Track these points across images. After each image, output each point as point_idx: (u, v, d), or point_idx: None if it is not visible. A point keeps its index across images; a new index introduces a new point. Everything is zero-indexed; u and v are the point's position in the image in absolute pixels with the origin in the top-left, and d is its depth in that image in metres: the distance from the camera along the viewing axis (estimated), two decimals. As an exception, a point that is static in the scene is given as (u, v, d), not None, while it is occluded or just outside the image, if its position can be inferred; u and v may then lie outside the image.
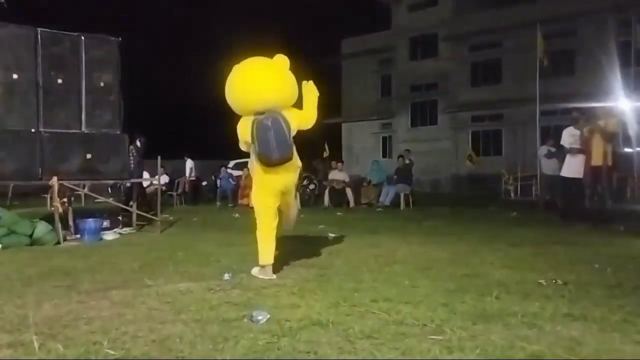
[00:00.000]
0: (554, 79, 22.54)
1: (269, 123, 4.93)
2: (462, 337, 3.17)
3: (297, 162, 5.27)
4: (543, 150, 14.20)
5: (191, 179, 18.85)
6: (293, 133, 5.14)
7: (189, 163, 18.90)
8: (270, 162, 5.02)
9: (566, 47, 25.26)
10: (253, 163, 5.25)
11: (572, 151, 10.20)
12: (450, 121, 30.95)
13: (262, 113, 5.00)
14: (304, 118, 5.35)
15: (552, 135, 16.59)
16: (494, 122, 29.38)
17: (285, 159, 5.04)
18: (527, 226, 9.54)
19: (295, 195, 5.77)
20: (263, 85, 5.09)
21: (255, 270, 5.21)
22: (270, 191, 5.23)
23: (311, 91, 5.41)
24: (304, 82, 5.40)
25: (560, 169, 11.52)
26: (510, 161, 24.81)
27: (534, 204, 14.88)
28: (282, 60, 5.20)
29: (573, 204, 10.30)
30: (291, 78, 5.26)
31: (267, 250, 5.20)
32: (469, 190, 24.25)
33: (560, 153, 12.29)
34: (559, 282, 4.67)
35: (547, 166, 13.89)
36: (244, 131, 5.16)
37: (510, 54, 27.69)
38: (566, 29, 24.94)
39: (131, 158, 10.92)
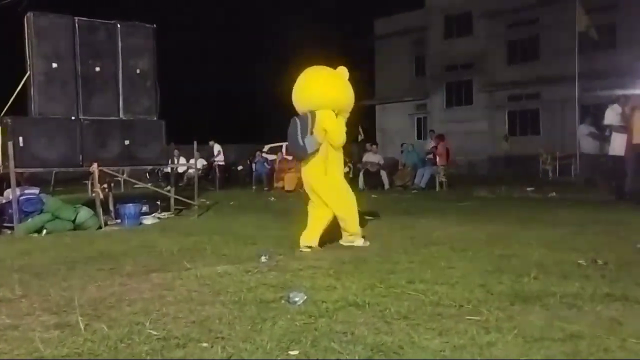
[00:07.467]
0: (593, 55, 21.92)
1: (290, 124, 5.87)
2: (499, 318, 3.16)
3: (318, 161, 5.75)
4: (583, 129, 13.90)
5: (220, 163, 18.88)
6: (319, 135, 5.67)
7: (217, 147, 18.95)
8: (293, 158, 5.97)
9: (606, 21, 24.40)
10: None
11: (614, 129, 9.97)
12: (486, 101, 30.44)
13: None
14: (330, 128, 5.75)
15: (591, 113, 16.25)
16: (531, 101, 28.78)
17: (297, 158, 6.06)
18: (566, 206, 9.37)
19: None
20: (302, 91, 5.95)
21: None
22: (304, 184, 6.11)
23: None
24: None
25: (600, 148, 11.29)
26: (548, 141, 24.34)
27: (573, 184, 14.60)
28: (339, 71, 5.98)
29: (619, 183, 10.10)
30: (340, 87, 5.93)
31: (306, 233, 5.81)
32: (506, 171, 23.87)
33: (603, 134, 12.06)
34: (599, 262, 4.59)
35: (588, 145, 13.61)
36: None
37: (548, 30, 26.98)
38: (606, 2, 24.11)
39: None
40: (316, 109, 5.72)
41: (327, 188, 5.78)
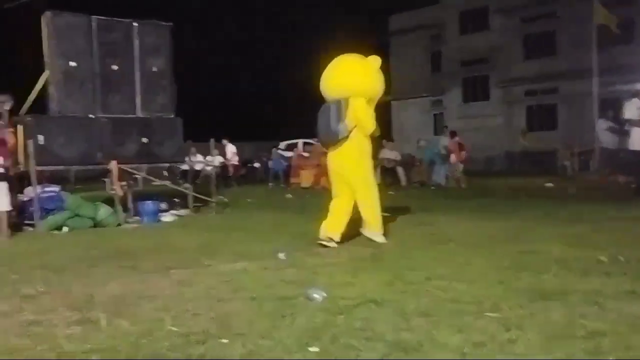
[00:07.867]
0: (611, 49, 21.61)
1: (321, 110, 5.83)
2: (519, 315, 3.14)
3: (348, 148, 5.71)
4: (602, 123, 13.76)
5: (234, 163, 18.77)
6: (351, 122, 5.65)
7: (231, 147, 18.81)
8: (321, 144, 6.11)
9: (623, 15, 23.99)
10: None
11: (634, 123, 9.86)
12: (503, 96, 30.21)
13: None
14: (362, 116, 5.74)
15: (610, 108, 16.06)
16: (549, 96, 28.49)
17: (327, 143, 5.89)
18: (585, 202, 9.27)
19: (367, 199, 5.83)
20: (335, 78, 5.91)
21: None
22: (330, 170, 5.97)
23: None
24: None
25: (620, 142, 11.15)
26: (566, 136, 24.07)
27: (592, 179, 14.44)
28: (371, 60, 6.00)
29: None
30: (372, 76, 5.95)
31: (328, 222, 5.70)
32: (523, 167, 23.67)
33: (622, 128, 11.90)
34: (621, 258, 4.53)
35: (607, 140, 13.47)
36: None
37: (565, 24, 26.68)
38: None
39: None
40: (348, 97, 5.70)
41: (359, 175, 5.77)
